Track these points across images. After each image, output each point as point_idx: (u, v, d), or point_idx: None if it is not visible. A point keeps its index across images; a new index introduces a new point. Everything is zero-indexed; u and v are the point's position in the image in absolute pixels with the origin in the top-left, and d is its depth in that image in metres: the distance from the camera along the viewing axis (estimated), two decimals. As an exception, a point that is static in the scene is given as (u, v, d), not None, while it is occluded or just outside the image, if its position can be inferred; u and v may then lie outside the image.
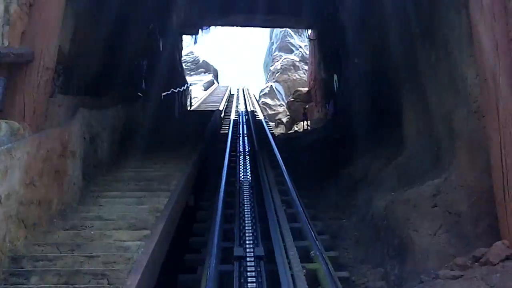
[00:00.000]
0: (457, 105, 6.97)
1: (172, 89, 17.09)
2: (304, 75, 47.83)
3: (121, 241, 5.54)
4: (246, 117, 20.84)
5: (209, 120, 17.30)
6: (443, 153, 7.55)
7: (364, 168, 9.88)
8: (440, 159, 7.59)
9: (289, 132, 21.88)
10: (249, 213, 6.82)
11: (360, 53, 14.72)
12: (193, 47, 58.27)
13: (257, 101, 37.05)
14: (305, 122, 21.31)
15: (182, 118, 18.12)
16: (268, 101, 46.22)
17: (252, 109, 23.15)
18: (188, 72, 54.20)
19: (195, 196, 9.46)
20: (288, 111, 25.82)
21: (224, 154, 11.44)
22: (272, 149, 12.62)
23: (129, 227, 6.02)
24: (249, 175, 9.72)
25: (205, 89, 46.56)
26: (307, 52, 51.91)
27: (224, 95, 32.73)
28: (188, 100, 22.80)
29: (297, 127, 22.73)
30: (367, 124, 12.20)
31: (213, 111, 20.53)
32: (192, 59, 55.80)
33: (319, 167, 12.12)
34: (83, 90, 9.34)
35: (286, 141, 17.73)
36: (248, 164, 10.82)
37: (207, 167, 11.23)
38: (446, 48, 7.73)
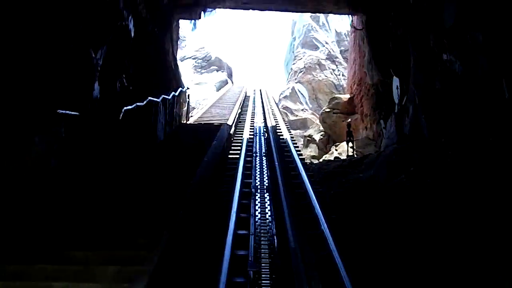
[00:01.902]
0: None
1: (150, 98, 10.86)
2: (331, 76, 41.39)
3: None
4: (265, 135, 14.57)
5: (209, 146, 11.09)
6: None
7: None
8: None
9: (327, 159, 15.42)
10: None
11: (471, 44, 8.36)
12: (204, 41, 52.35)
13: (277, 105, 30.71)
14: (350, 144, 14.89)
15: (168, 142, 11.89)
16: (289, 104, 39.89)
17: (274, 123, 16.83)
18: (199, 70, 48.12)
19: None
20: (322, 126, 19.35)
21: (222, 257, 5.15)
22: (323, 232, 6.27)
23: None
24: None
25: (217, 90, 40.44)
26: (335, 50, 45.64)
27: (238, 99, 26.43)
28: (185, 108, 16.62)
29: (336, 149, 16.31)
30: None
31: (219, 127, 14.30)
32: (203, 55, 49.70)
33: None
34: None
35: (329, 181, 11.40)
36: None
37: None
38: None
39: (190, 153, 10.38)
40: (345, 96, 18.29)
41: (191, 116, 17.89)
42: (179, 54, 51.13)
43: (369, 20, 15.87)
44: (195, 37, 53.35)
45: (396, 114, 13.45)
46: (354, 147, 14.82)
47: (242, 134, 15.36)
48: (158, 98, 11.87)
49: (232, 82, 46.49)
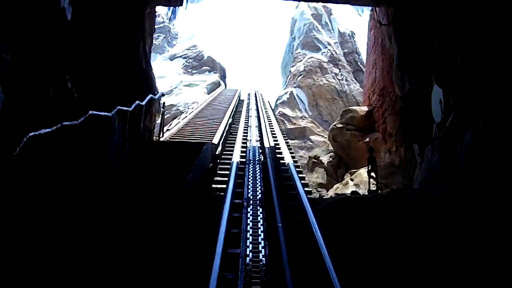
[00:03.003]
0: None
1: (92, 112, 7.29)
2: (333, 80, 37.81)
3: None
4: (261, 160, 11.03)
5: (180, 184, 7.55)
6: None
7: None
8: None
9: (341, 193, 11.79)
10: None
11: None
12: (196, 39, 48.75)
13: (273, 111, 27.16)
14: (372, 174, 11.31)
15: (123, 175, 8.24)
16: (287, 111, 36.27)
17: (272, 142, 13.22)
18: (190, 70, 44.46)
19: None
20: (332, 145, 15.75)
21: None
22: None
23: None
24: None
25: (208, 92, 36.87)
26: (338, 52, 41.99)
27: (229, 106, 22.86)
28: (159, 121, 13.02)
29: (352, 179, 12.72)
30: None
31: (200, 148, 10.74)
32: (195, 55, 46.06)
33: None
34: None
35: (348, 230, 7.87)
36: None
37: None
38: None
39: (150, 197, 6.82)
40: (362, 109, 14.66)
41: (168, 129, 14.28)
42: (169, 52, 47.54)
43: (398, 13, 12.38)
44: (186, 34, 49.71)
45: (439, 139, 9.96)
46: (377, 179, 11.27)
47: (231, 157, 11.81)
48: (112, 110, 8.28)
49: (225, 85, 42.93)
